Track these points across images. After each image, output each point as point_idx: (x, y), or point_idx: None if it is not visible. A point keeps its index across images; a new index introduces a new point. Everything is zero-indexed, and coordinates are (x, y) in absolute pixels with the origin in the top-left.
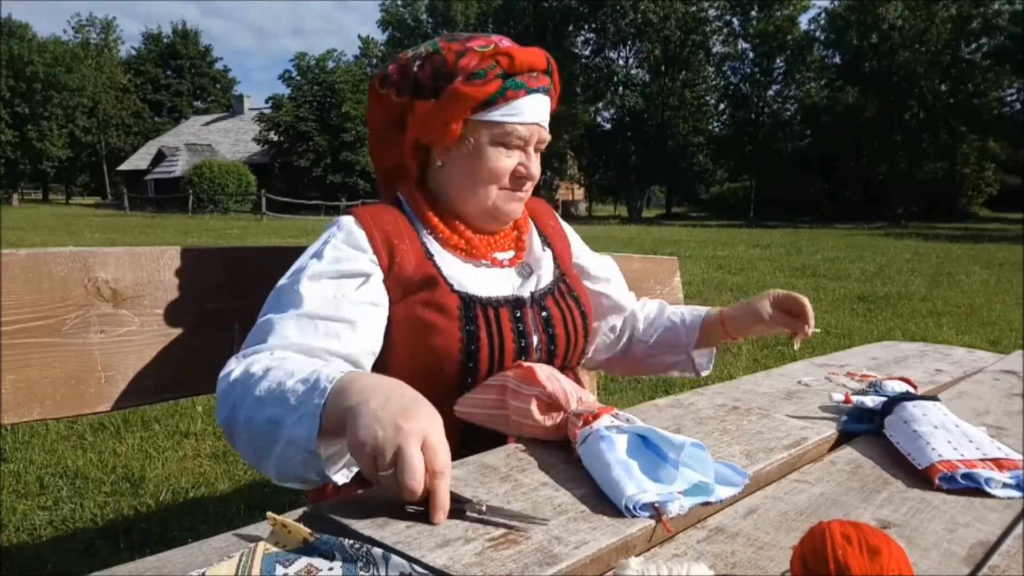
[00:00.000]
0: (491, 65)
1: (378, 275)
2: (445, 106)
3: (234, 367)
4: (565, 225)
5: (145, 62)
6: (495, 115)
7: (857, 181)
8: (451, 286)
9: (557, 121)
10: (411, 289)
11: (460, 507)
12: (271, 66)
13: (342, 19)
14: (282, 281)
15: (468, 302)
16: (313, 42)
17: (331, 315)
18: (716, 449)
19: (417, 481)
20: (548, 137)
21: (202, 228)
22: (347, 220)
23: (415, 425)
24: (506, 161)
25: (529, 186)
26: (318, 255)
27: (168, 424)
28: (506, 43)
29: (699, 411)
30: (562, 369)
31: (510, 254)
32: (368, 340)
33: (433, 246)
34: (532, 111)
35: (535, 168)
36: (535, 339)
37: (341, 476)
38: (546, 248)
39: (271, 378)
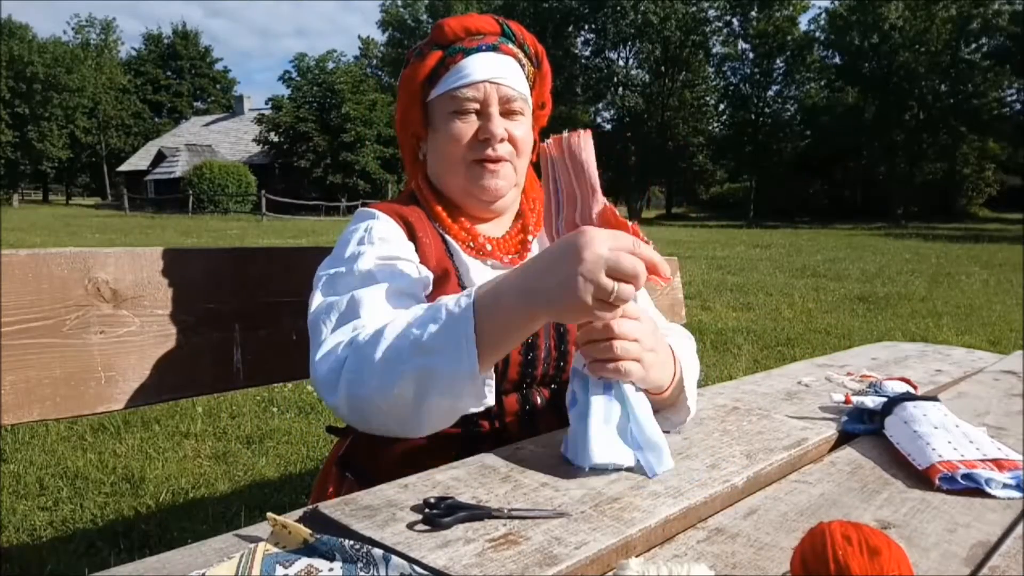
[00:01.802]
0: (428, 41)
1: (417, 260)
2: (401, 95)
3: (336, 343)
4: None
5: (145, 63)
6: (443, 87)
7: (857, 181)
8: (464, 287)
9: (557, 121)
10: (431, 284)
11: (485, 513)
12: (274, 67)
13: (346, 20)
14: (337, 268)
15: None
16: (316, 43)
17: (407, 290)
18: (716, 449)
19: (638, 272)
20: (515, 95)
21: (202, 229)
22: (377, 212)
23: (590, 255)
24: (462, 128)
25: (504, 151)
26: (369, 241)
27: (168, 425)
28: (450, 18)
29: (699, 411)
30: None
31: (515, 256)
32: None
33: (451, 243)
34: (479, 70)
35: (495, 128)
36: (543, 352)
37: (491, 397)
38: None
39: (385, 340)
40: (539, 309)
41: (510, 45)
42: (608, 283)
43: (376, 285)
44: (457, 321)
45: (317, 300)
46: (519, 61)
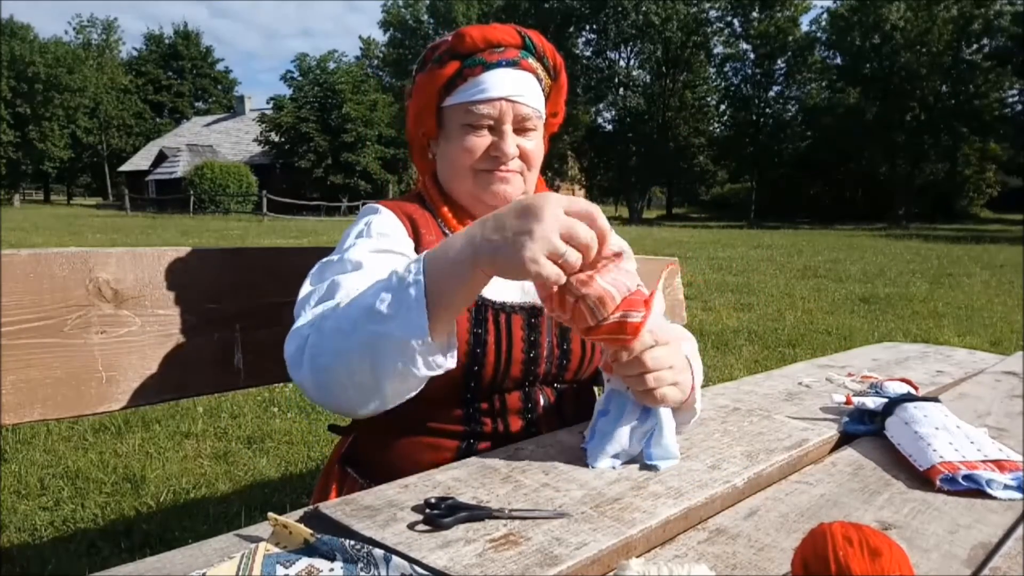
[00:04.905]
0: (447, 48)
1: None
2: (416, 99)
3: (300, 326)
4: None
5: (146, 63)
6: (459, 97)
7: (858, 182)
8: None
9: None
10: None
11: (486, 513)
12: (278, 67)
13: (350, 21)
14: (330, 257)
15: (479, 304)
16: (321, 43)
17: None
18: (717, 450)
19: (591, 244)
20: (531, 113)
21: (203, 229)
22: (380, 207)
23: (549, 214)
24: (475, 142)
25: (514, 166)
26: (367, 235)
27: (169, 425)
28: (471, 27)
29: (700, 412)
30: (572, 383)
31: None
32: None
33: None
34: (497, 87)
35: (508, 147)
36: (545, 350)
37: (451, 360)
38: None
39: (343, 311)
40: (483, 259)
41: (530, 60)
42: (560, 245)
43: (360, 272)
44: (407, 285)
45: (305, 288)
46: (537, 76)
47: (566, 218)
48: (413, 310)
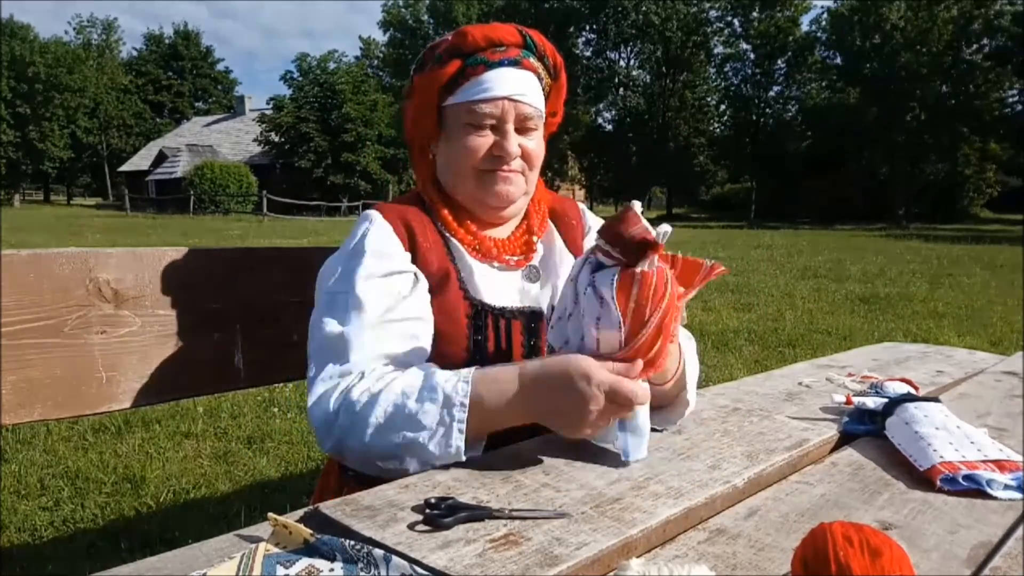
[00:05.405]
0: (448, 47)
1: (414, 269)
2: (416, 99)
3: (324, 392)
4: (592, 224)
5: (146, 63)
6: (461, 96)
7: (858, 182)
8: (465, 291)
9: None
10: (431, 288)
11: (486, 513)
12: (279, 67)
13: (351, 21)
14: (331, 285)
15: (479, 310)
16: (322, 44)
17: (401, 316)
18: (718, 450)
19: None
20: (533, 112)
21: (203, 229)
22: (375, 215)
23: (595, 406)
24: (477, 141)
25: (516, 166)
26: (361, 252)
27: (169, 425)
28: (473, 26)
29: (700, 412)
30: None
31: (520, 257)
32: (432, 330)
33: (454, 245)
34: (500, 86)
35: (511, 146)
36: (546, 355)
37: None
38: (570, 254)
39: (383, 404)
40: (540, 421)
41: (531, 59)
42: (606, 421)
43: (365, 315)
44: (452, 405)
45: (314, 324)
46: (538, 75)
47: (612, 407)
48: (452, 435)
